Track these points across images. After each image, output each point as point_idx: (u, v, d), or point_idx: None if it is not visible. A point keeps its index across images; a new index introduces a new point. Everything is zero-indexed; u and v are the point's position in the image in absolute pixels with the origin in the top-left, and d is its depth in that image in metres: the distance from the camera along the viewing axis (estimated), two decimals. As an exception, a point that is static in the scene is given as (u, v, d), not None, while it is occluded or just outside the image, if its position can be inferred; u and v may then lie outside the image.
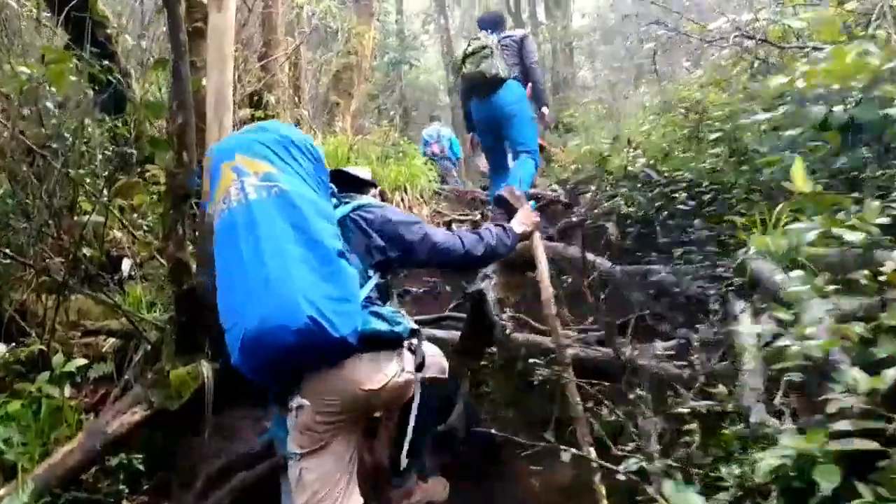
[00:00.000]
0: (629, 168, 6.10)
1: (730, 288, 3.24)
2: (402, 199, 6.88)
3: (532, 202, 4.86)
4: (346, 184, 2.70)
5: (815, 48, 4.89)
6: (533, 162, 6.09)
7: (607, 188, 6.59)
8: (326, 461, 2.28)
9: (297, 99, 7.99)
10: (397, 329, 2.32)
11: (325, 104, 10.45)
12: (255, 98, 7.13)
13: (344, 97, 10.54)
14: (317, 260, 2.12)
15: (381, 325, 2.28)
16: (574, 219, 5.32)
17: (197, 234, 3.48)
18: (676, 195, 4.58)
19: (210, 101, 3.35)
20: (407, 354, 2.37)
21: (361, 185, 2.78)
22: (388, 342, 2.31)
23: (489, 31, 6.09)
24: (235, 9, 3.62)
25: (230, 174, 2.23)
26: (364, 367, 2.23)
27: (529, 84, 6.01)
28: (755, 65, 5.46)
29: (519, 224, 2.90)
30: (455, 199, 8.86)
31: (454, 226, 7.32)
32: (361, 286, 2.31)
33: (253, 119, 6.82)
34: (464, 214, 7.79)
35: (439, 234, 2.57)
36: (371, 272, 2.41)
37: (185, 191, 3.49)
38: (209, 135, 3.35)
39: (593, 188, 6.78)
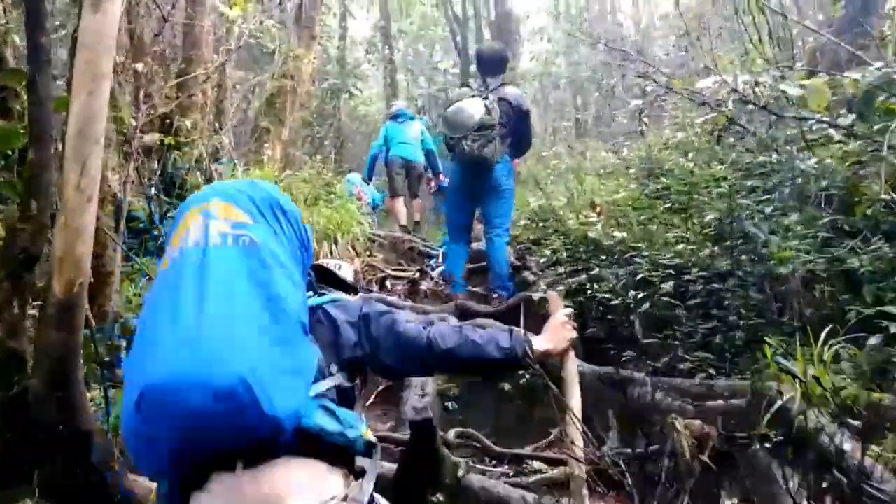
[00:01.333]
0: (592, 235, 5.41)
1: (764, 443, 2.45)
2: (332, 251, 5.98)
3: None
4: (325, 281, 2.38)
5: (819, 120, 4.31)
6: (507, 241, 5.90)
7: (563, 255, 5.89)
8: None
9: (217, 124, 7.00)
10: (350, 434, 1.77)
11: (255, 130, 9.50)
12: (167, 122, 6.14)
13: (276, 123, 9.58)
14: (272, 321, 1.67)
15: (330, 424, 1.76)
16: (535, 295, 4.51)
17: (39, 316, 2.51)
18: (656, 281, 3.85)
19: (71, 131, 2.41)
20: (358, 478, 1.81)
21: (342, 288, 2.42)
22: (333, 451, 1.75)
23: (491, 75, 5.59)
24: (130, 14, 2.73)
25: (196, 216, 1.81)
26: (293, 474, 1.67)
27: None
28: (744, 129, 4.86)
29: (545, 340, 2.18)
30: (390, 247, 7.99)
31: (389, 282, 6.45)
32: (316, 381, 1.84)
33: (162, 145, 5.85)
34: (401, 269, 6.92)
35: (407, 322, 2.08)
36: (335, 369, 1.95)
37: (31, 253, 2.54)
38: (64, 180, 2.42)
39: (548, 252, 6.05)
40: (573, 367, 2.23)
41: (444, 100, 21.26)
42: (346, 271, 2.53)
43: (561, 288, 4.51)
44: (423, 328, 2.06)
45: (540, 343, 2.15)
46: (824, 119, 4.42)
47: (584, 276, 4.57)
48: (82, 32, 2.46)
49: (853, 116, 4.91)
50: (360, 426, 1.85)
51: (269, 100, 9.78)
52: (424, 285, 6.29)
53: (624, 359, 3.75)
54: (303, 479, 1.69)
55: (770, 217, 3.66)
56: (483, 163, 5.38)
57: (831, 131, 4.49)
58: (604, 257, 5.20)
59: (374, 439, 1.87)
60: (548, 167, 8.98)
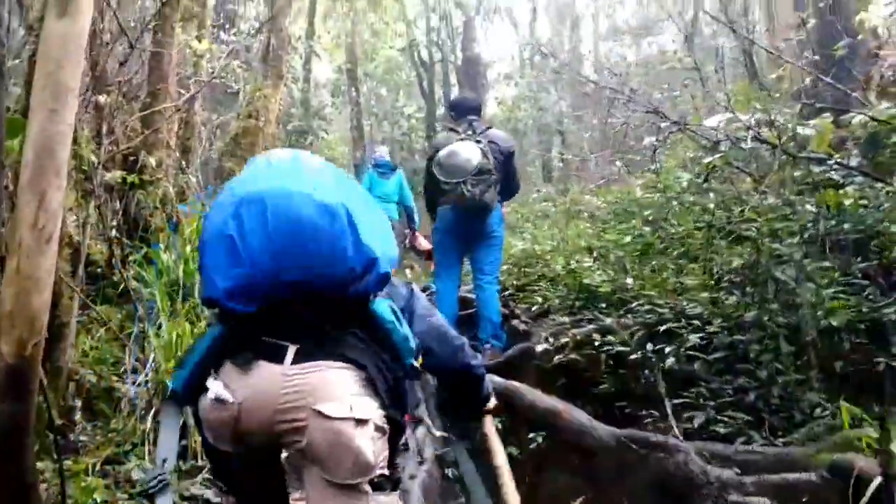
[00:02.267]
0: (588, 282, 5.09)
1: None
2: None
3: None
4: None
5: (838, 163, 4.08)
6: (498, 289, 5.52)
7: (555, 302, 5.56)
8: None
9: (184, 162, 6.56)
10: (406, 343, 1.81)
11: (219, 171, 9.06)
12: (131, 159, 5.68)
13: (241, 164, 9.17)
14: (365, 201, 1.82)
15: (395, 321, 1.80)
16: (538, 347, 4.15)
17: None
18: (682, 332, 3.51)
19: (27, 158, 2.00)
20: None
21: None
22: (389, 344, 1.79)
23: (469, 117, 5.27)
24: (92, 42, 2.35)
25: None
26: (332, 378, 1.68)
27: None
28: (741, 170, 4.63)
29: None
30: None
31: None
32: None
33: (125, 184, 5.38)
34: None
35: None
36: None
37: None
38: (18, 214, 1.99)
39: (539, 299, 5.71)
40: (492, 427, 2.42)
41: (407, 143, 21.09)
42: None
43: (565, 339, 4.15)
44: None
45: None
46: (840, 161, 4.21)
47: (589, 327, 4.22)
48: (45, 41, 2.06)
49: (858, 158, 4.73)
50: (416, 343, 1.84)
51: (235, 139, 9.38)
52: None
53: (646, 419, 3.39)
54: (339, 388, 1.65)
55: (800, 263, 3.37)
56: (484, 209, 5.05)
57: (833, 174, 4.29)
58: (604, 305, 4.88)
59: (420, 368, 1.87)
60: (531, 210, 8.67)
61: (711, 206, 3.95)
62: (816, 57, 5.57)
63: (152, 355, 3.98)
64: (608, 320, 4.05)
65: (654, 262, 4.40)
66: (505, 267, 7.43)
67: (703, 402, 3.22)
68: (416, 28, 19.35)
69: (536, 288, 6.21)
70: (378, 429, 1.69)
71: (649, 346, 3.60)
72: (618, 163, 9.22)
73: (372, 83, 22.62)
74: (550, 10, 22.71)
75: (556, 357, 3.99)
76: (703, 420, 3.07)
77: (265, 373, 1.66)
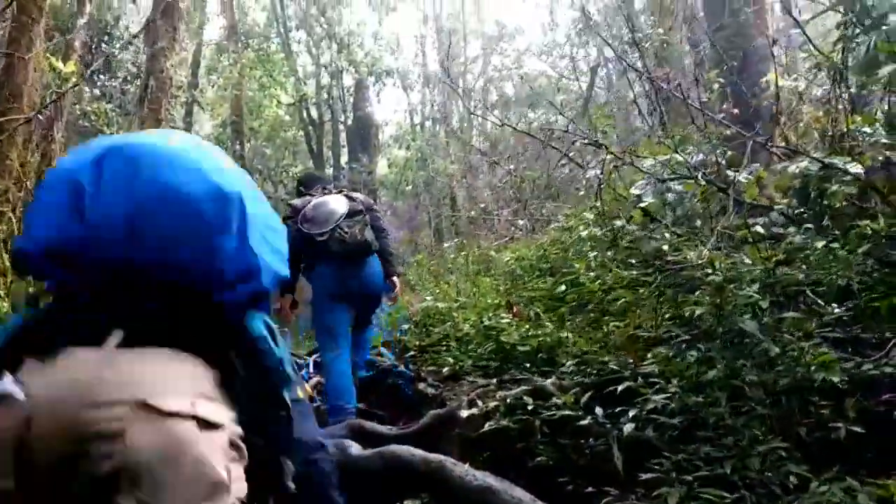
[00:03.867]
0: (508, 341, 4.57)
1: None
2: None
3: None
4: None
5: (782, 213, 3.78)
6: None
7: (467, 364, 5.01)
8: None
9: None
10: (284, 369, 1.44)
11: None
12: (-32, 186, 4.75)
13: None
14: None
15: (270, 341, 1.43)
16: (463, 412, 3.52)
17: None
18: (646, 392, 2.99)
19: None
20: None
21: None
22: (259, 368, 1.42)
23: (319, 185, 5.19)
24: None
25: None
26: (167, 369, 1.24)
27: None
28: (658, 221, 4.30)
29: None
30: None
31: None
32: None
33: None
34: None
35: None
36: None
37: None
38: None
39: (450, 360, 5.11)
40: None
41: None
42: None
43: (494, 403, 3.54)
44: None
45: None
46: (782, 210, 3.93)
47: (519, 389, 3.65)
48: None
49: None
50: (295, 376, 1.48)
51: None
52: (298, 401, 5.09)
53: (604, 499, 2.81)
54: (181, 381, 1.23)
55: (767, 312, 2.96)
56: (365, 248, 4.73)
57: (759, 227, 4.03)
58: (528, 365, 4.35)
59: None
60: (430, 267, 8.13)
61: (666, 247, 3.54)
62: (735, 110, 5.44)
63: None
64: (546, 381, 3.49)
65: (592, 315, 3.92)
66: (406, 326, 6.83)
67: (671, 475, 2.68)
68: (304, 85, 18.83)
69: (444, 348, 5.63)
70: (234, 446, 1.23)
71: (599, 411, 3.06)
72: (521, 221, 8.92)
73: (257, 141, 21.82)
74: (441, 79, 22.85)
75: (487, 424, 3.37)
76: (677, 499, 2.53)
77: (76, 359, 1.19)
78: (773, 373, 2.80)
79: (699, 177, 3.31)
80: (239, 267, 1.32)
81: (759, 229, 3.59)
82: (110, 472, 1.11)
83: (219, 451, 1.19)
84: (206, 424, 1.19)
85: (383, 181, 18.17)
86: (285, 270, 1.45)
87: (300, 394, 1.51)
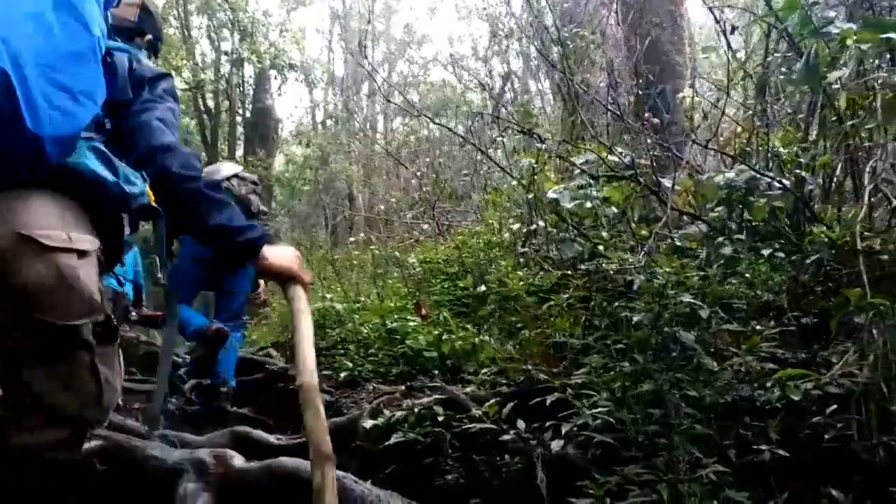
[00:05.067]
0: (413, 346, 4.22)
1: None
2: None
3: None
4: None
5: (706, 220, 3.61)
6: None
7: (367, 368, 4.62)
8: None
9: None
10: (128, 189, 1.58)
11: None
12: None
13: None
14: (59, 24, 1.42)
15: (102, 169, 1.53)
16: (366, 422, 3.11)
17: None
18: (581, 406, 2.67)
19: None
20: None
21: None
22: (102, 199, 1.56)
23: None
24: None
25: None
26: (43, 208, 1.44)
27: None
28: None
29: (275, 256, 1.91)
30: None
31: (120, 398, 4.57)
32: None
33: None
34: (136, 381, 5.03)
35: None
36: (107, 123, 1.70)
37: None
38: None
39: (349, 365, 4.69)
40: (303, 295, 2.00)
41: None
42: (127, 11, 2.18)
43: (401, 413, 3.15)
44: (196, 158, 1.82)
45: (273, 255, 1.90)
46: (708, 220, 3.76)
47: (428, 398, 3.28)
48: None
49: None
50: (141, 183, 1.64)
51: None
52: (173, 404, 4.52)
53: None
54: (51, 212, 1.44)
55: (705, 322, 2.73)
56: (249, 210, 4.62)
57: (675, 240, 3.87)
58: (436, 372, 4.00)
59: (155, 206, 1.70)
60: (325, 266, 7.63)
61: (601, 247, 3.26)
62: (656, 119, 5.30)
63: None
64: (461, 390, 3.14)
65: (512, 319, 3.60)
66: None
67: (603, 500, 2.38)
68: (203, 72, 17.85)
69: (340, 351, 5.20)
70: (99, 261, 1.54)
71: (521, 425, 2.73)
72: (425, 225, 8.58)
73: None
74: (346, 79, 22.30)
75: (394, 437, 2.97)
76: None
77: None
78: (713, 388, 2.56)
79: (635, 175, 3.07)
80: (29, 137, 1.33)
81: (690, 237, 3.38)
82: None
83: (93, 274, 1.48)
84: (82, 254, 1.45)
85: (280, 178, 17.45)
86: (85, 108, 1.45)
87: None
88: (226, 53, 17.34)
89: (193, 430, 3.88)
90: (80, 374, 1.49)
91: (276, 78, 17.95)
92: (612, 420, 2.68)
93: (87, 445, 3.17)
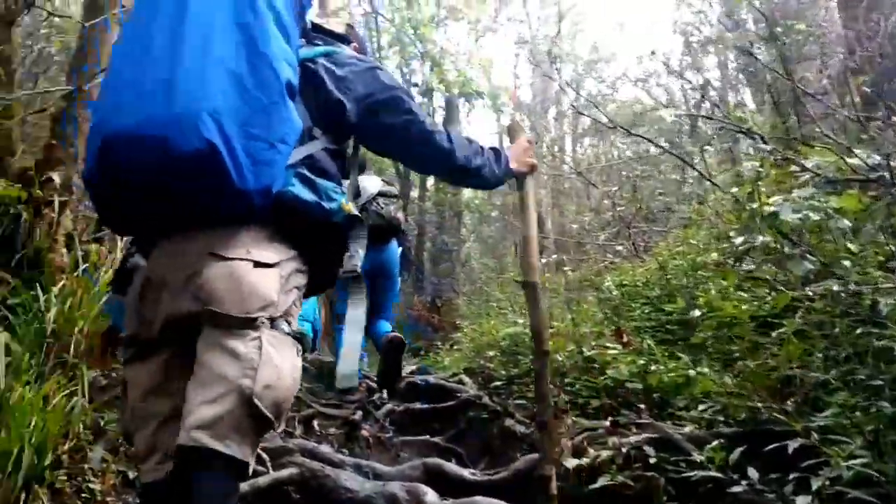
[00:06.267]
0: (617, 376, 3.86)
1: None
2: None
3: None
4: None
5: None
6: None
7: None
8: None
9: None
10: (327, 205, 1.74)
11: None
12: (29, 173, 4.37)
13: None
14: (252, 77, 1.56)
15: (306, 193, 1.71)
16: (568, 462, 2.81)
17: None
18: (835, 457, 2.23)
19: None
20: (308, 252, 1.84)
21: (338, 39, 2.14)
22: (306, 219, 1.73)
23: None
24: None
25: None
26: (235, 238, 1.66)
27: None
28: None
29: (514, 160, 2.32)
30: (316, 373, 6.15)
31: (316, 423, 4.59)
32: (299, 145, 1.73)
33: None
34: (333, 406, 5.06)
35: (422, 112, 2.03)
36: (317, 133, 1.83)
37: None
38: None
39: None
40: (532, 191, 2.44)
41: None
42: (335, 25, 2.20)
43: (607, 453, 2.81)
44: (445, 132, 2.06)
45: (513, 163, 2.30)
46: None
47: (637, 437, 2.91)
48: None
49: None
50: (340, 197, 1.78)
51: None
52: (367, 430, 4.46)
53: None
54: (256, 239, 1.66)
55: None
56: (396, 227, 4.81)
57: None
58: (642, 406, 3.61)
59: (356, 212, 1.83)
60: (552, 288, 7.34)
61: (847, 263, 2.75)
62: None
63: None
64: (680, 429, 2.75)
65: (730, 348, 3.15)
66: (492, 353, 6.15)
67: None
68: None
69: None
70: (297, 272, 1.77)
71: (754, 474, 2.30)
72: (619, 246, 8.14)
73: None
74: (535, 102, 22.21)
75: (600, 479, 2.65)
76: None
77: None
78: None
79: (890, 178, 2.54)
80: (237, 192, 1.56)
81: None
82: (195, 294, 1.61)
83: (271, 279, 1.66)
84: (258, 264, 1.64)
85: (468, 204, 17.62)
86: (282, 154, 1.62)
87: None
88: (415, 85, 17.85)
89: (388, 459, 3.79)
90: (247, 347, 1.59)
91: (464, 105, 18.22)
92: (872, 473, 2.19)
93: (282, 473, 3.17)
